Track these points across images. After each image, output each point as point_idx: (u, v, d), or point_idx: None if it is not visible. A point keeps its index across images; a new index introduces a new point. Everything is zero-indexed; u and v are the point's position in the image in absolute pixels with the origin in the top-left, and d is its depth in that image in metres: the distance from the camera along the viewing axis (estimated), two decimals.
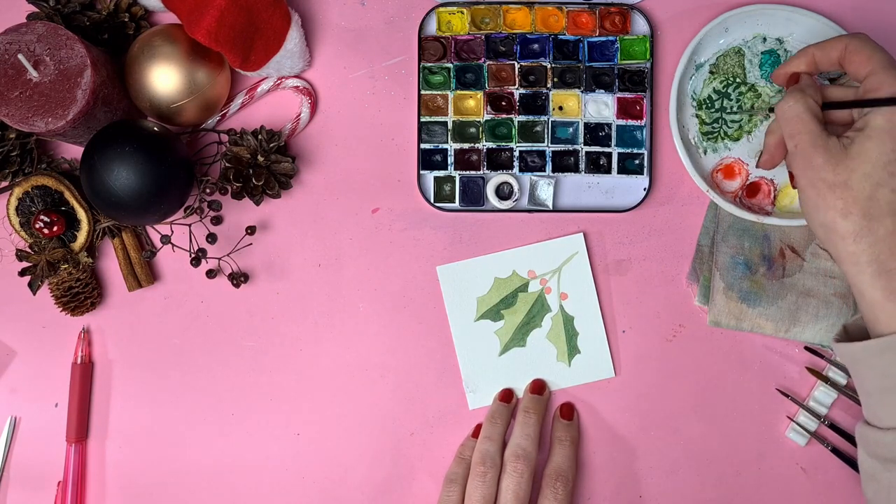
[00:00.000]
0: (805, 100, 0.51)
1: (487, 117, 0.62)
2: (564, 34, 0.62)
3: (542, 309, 0.62)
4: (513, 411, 0.61)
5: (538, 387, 0.61)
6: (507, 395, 0.61)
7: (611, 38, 0.62)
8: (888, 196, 0.47)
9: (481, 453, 0.58)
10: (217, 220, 0.62)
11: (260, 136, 0.59)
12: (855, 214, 0.47)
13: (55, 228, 0.58)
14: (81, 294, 0.60)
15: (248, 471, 0.62)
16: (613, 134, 0.62)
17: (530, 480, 0.57)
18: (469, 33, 0.62)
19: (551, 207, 0.62)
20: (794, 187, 0.53)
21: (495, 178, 0.62)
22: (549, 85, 0.62)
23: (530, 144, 0.62)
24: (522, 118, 0.62)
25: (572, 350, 0.62)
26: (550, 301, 0.62)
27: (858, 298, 0.49)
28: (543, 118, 0.62)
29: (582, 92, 0.62)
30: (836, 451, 0.60)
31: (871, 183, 0.47)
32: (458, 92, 0.62)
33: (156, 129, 0.55)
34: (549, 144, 0.62)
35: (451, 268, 0.62)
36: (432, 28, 0.63)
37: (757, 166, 0.60)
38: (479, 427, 0.61)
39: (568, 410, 0.61)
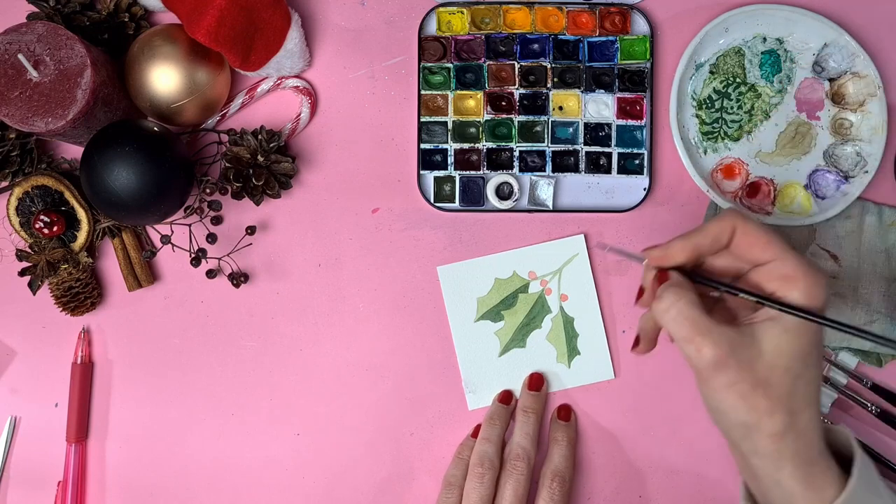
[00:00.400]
0: (687, 296, 0.45)
1: (487, 117, 0.62)
2: (564, 34, 0.62)
3: (543, 310, 0.62)
4: (512, 413, 0.61)
5: (536, 382, 0.61)
6: (506, 397, 0.61)
7: (611, 38, 0.62)
8: (804, 388, 0.45)
9: (479, 454, 0.58)
10: (217, 220, 0.62)
11: (260, 136, 0.59)
12: (780, 412, 0.44)
13: (55, 228, 0.58)
14: (81, 294, 0.60)
15: (248, 471, 0.62)
16: (613, 134, 0.62)
17: (530, 480, 0.58)
18: (469, 33, 0.62)
19: (551, 207, 0.62)
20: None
21: (495, 178, 0.62)
22: (549, 85, 0.62)
23: (530, 144, 0.62)
24: (522, 118, 0.62)
25: (572, 351, 0.62)
26: (551, 302, 0.62)
27: (772, 485, 0.46)
28: (543, 118, 0.62)
29: (582, 92, 0.62)
30: None
31: (791, 377, 0.44)
32: (458, 92, 0.62)
33: (156, 129, 0.55)
34: (549, 144, 0.62)
35: (451, 268, 0.62)
36: (432, 28, 0.63)
37: (632, 350, 0.52)
38: (478, 427, 0.61)
39: (565, 412, 0.62)
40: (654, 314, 0.46)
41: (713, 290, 0.49)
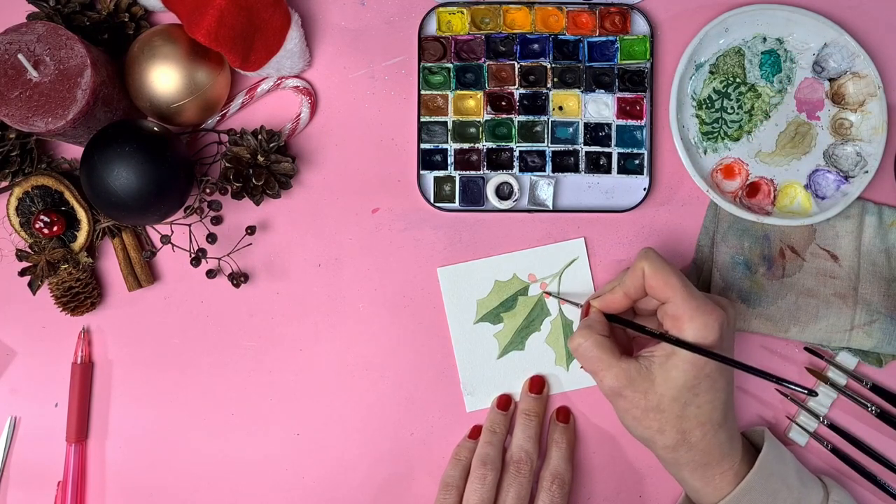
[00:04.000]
0: (592, 336, 0.54)
1: (487, 117, 0.62)
2: (564, 34, 0.62)
3: (542, 313, 0.62)
4: (511, 417, 0.61)
5: (538, 385, 0.61)
6: (505, 404, 0.61)
7: (611, 38, 0.62)
8: (695, 411, 0.52)
9: (481, 456, 0.58)
10: (217, 220, 0.62)
11: (260, 136, 0.59)
12: (669, 431, 0.52)
13: (55, 228, 0.58)
14: (81, 294, 0.60)
15: (248, 471, 0.62)
16: (613, 134, 0.62)
17: (531, 482, 0.58)
18: (469, 33, 0.62)
19: (551, 207, 0.62)
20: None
21: (495, 178, 0.62)
22: (549, 85, 0.62)
23: (530, 144, 0.62)
24: (522, 118, 0.62)
25: (570, 354, 0.62)
26: (550, 305, 0.62)
27: (680, 482, 0.56)
28: (543, 118, 0.62)
29: (582, 92, 0.62)
30: (835, 451, 0.60)
31: (679, 404, 0.52)
32: (458, 92, 0.62)
33: (156, 129, 0.55)
34: (549, 144, 0.62)
35: (451, 270, 0.62)
36: (432, 28, 0.63)
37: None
38: (475, 428, 0.61)
39: (564, 414, 0.62)
40: (571, 348, 0.55)
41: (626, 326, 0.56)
